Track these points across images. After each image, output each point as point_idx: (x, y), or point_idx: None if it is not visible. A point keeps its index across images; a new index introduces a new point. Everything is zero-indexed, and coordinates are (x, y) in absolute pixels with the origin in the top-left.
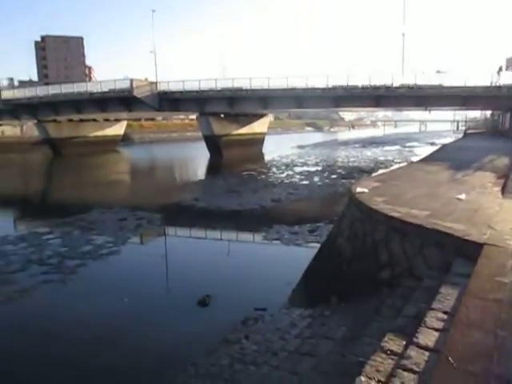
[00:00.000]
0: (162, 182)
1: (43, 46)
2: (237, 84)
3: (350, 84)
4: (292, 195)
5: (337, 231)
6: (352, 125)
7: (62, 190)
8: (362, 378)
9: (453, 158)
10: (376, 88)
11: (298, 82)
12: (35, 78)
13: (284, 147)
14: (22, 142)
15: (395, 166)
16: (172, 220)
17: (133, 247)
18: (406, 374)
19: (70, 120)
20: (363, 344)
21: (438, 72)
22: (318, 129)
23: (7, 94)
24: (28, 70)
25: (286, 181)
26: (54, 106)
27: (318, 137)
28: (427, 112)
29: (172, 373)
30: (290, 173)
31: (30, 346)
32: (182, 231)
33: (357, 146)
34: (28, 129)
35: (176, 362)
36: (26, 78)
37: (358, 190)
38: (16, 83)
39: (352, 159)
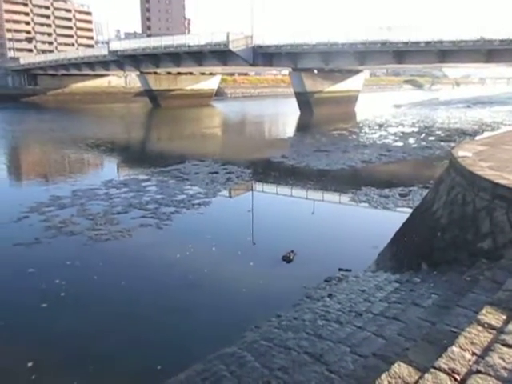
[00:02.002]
0: (251, 138)
1: None
2: (332, 39)
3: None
4: (384, 157)
5: (432, 196)
6: (456, 82)
7: (159, 140)
8: (455, 349)
9: None
10: (489, 41)
11: (397, 35)
12: (139, 30)
13: (378, 106)
14: (125, 92)
15: (504, 129)
16: (260, 176)
17: (222, 200)
18: (505, 349)
19: (169, 73)
20: (457, 314)
21: None
22: (418, 87)
23: (114, 46)
24: (134, 22)
25: (379, 142)
26: (155, 58)
27: (416, 95)
28: None
29: (257, 321)
30: (383, 133)
31: (130, 279)
32: (268, 187)
33: (460, 105)
34: (131, 80)
35: (260, 311)
36: (132, 31)
37: (461, 153)
38: (122, 35)
39: (453, 120)
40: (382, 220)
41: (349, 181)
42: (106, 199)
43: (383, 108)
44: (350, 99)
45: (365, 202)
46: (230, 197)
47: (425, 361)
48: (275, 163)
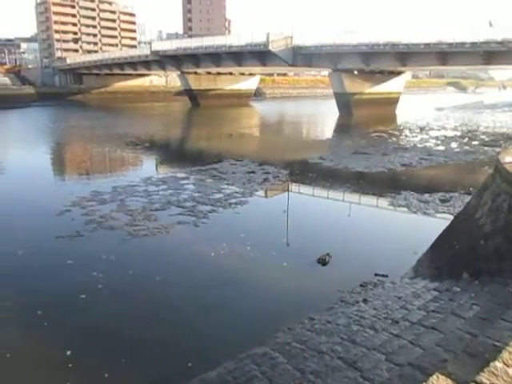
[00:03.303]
0: (289, 138)
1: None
2: (373, 39)
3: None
4: (425, 161)
5: (476, 203)
6: (503, 85)
7: (197, 139)
8: (498, 364)
9: None
10: None
11: (440, 36)
12: (181, 31)
13: (420, 109)
14: (166, 91)
15: None
16: (297, 176)
17: (258, 199)
18: None
19: (209, 73)
20: (500, 328)
21: None
22: (461, 89)
23: (156, 46)
24: (175, 23)
25: (420, 145)
26: (196, 58)
27: (460, 98)
28: None
29: (289, 322)
30: (425, 137)
31: (166, 274)
32: (305, 188)
33: (506, 109)
34: (171, 80)
35: (293, 313)
36: (173, 31)
37: (507, 159)
38: (164, 36)
39: (499, 124)
40: (420, 226)
41: (388, 184)
42: (144, 196)
43: (425, 111)
44: (391, 101)
45: (404, 206)
46: (267, 197)
47: (465, 374)
48: (312, 164)
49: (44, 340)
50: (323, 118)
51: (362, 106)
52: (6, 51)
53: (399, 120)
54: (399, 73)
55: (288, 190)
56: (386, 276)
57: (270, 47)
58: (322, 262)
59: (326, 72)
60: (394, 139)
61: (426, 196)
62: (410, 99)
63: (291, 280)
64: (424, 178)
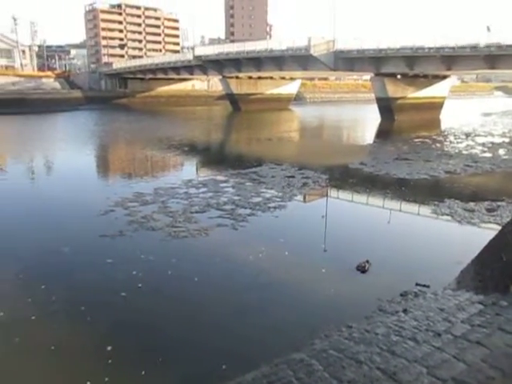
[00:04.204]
0: (329, 143)
1: (232, 5)
2: (417, 42)
3: None
4: (470, 168)
5: None
6: None
7: (237, 143)
8: None
9: None
10: None
11: (489, 38)
12: (223, 36)
13: (466, 114)
14: (207, 95)
15: None
16: (336, 182)
17: (297, 204)
18: None
19: (250, 77)
20: None
21: None
22: (510, 94)
23: (199, 51)
24: (218, 28)
25: (465, 152)
26: (237, 62)
27: (508, 103)
28: None
29: (327, 330)
30: (470, 143)
31: (204, 276)
32: (344, 194)
33: None
34: (213, 84)
35: (330, 320)
36: (216, 36)
37: None
38: (206, 41)
39: None
40: (464, 235)
41: (430, 192)
42: (185, 198)
43: (471, 116)
44: (435, 106)
45: (447, 215)
46: (306, 201)
47: None
48: (353, 170)
49: (86, 335)
50: (364, 123)
51: (404, 111)
52: (57, 57)
53: (443, 125)
54: (444, 77)
55: (327, 196)
56: (428, 286)
57: (312, 51)
58: (361, 269)
59: (367, 76)
60: (438, 145)
61: (472, 205)
62: (456, 104)
63: (329, 286)
64: (469, 185)
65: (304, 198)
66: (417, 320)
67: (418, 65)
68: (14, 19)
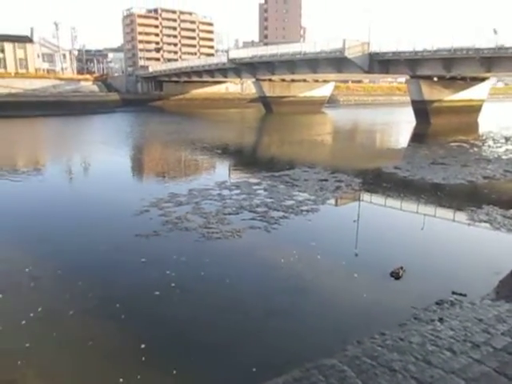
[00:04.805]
0: (363, 146)
1: (266, 8)
2: (455, 44)
3: None
4: (510, 173)
5: None
6: None
7: (270, 145)
8: None
9: None
10: None
11: None
12: (257, 39)
13: (506, 117)
14: (240, 98)
15: None
16: (370, 186)
17: (330, 208)
18: None
19: (283, 80)
20: None
21: None
22: None
23: (233, 54)
24: (252, 31)
25: (504, 156)
26: (271, 65)
27: None
28: None
29: (359, 336)
30: (510, 147)
31: (236, 278)
32: (378, 199)
33: None
34: (246, 87)
35: (363, 326)
36: (249, 39)
37: None
38: (240, 44)
39: None
40: (504, 244)
41: (468, 198)
42: (218, 199)
43: (511, 120)
44: (473, 109)
45: (485, 222)
46: (339, 205)
47: None
48: (387, 174)
49: (121, 332)
50: (399, 126)
51: (440, 114)
52: (95, 61)
53: (482, 129)
54: (483, 79)
55: (360, 200)
56: (465, 295)
57: (346, 54)
58: (395, 275)
59: (402, 79)
60: (476, 149)
61: None
62: (495, 107)
63: (361, 292)
64: (509, 192)
65: (337, 201)
66: (453, 330)
67: (456, 67)
68: (56, 25)
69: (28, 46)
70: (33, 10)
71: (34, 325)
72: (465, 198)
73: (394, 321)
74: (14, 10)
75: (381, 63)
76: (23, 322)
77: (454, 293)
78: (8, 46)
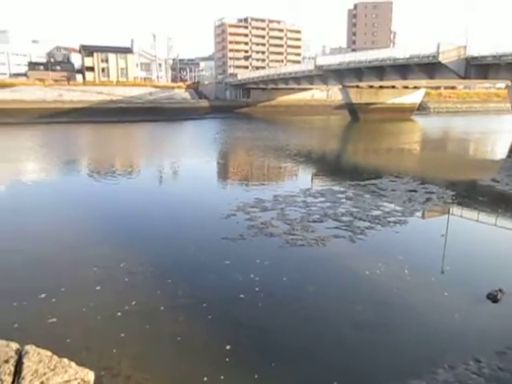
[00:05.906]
0: (455, 157)
1: (355, 14)
2: None
3: None
4: None
5: None
6: None
7: (355, 153)
8: None
9: None
10: None
11: None
12: (344, 45)
13: None
14: (326, 105)
15: None
16: (464, 199)
17: (420, 220)
18: None
19: (370, 86)
20: None
21: None
22: None
23: (320, 61)
24: (339, 37)
25: None
26: (358, 71)
27: None
28: None
29: (450, 360)
30: None
31: (319, 286)
32: (470, 213)
33: None
34: (332, 93)
35: (455, 350)
36: (337, 46)
37: None
38: (327, 51)
39: None
40: None
41: None
42: (303, 207)
43: None
44: None
45: None
46: (429, 218)
47: None
48: (482, 187)
49: (208, 331)
50: (496, 136)
51: None
52: (188, 69)
53: None
54: None
55: (451, 213)
56: None
57: (440, 58)
58: (493, 297)
59: (501, 84)
60: None
61: None
62: None
63: (453, 312)
64: None
65: (427, 214)
66: None
67: None
68: (154, 36)
69: (129, 56)
70: (133, 22)
71: (129, 317)
72: None
73: (491, 347)
74: (117, 23)
75: (479, 68)
76: (119, 313)
77: None
78: (111, 57)
